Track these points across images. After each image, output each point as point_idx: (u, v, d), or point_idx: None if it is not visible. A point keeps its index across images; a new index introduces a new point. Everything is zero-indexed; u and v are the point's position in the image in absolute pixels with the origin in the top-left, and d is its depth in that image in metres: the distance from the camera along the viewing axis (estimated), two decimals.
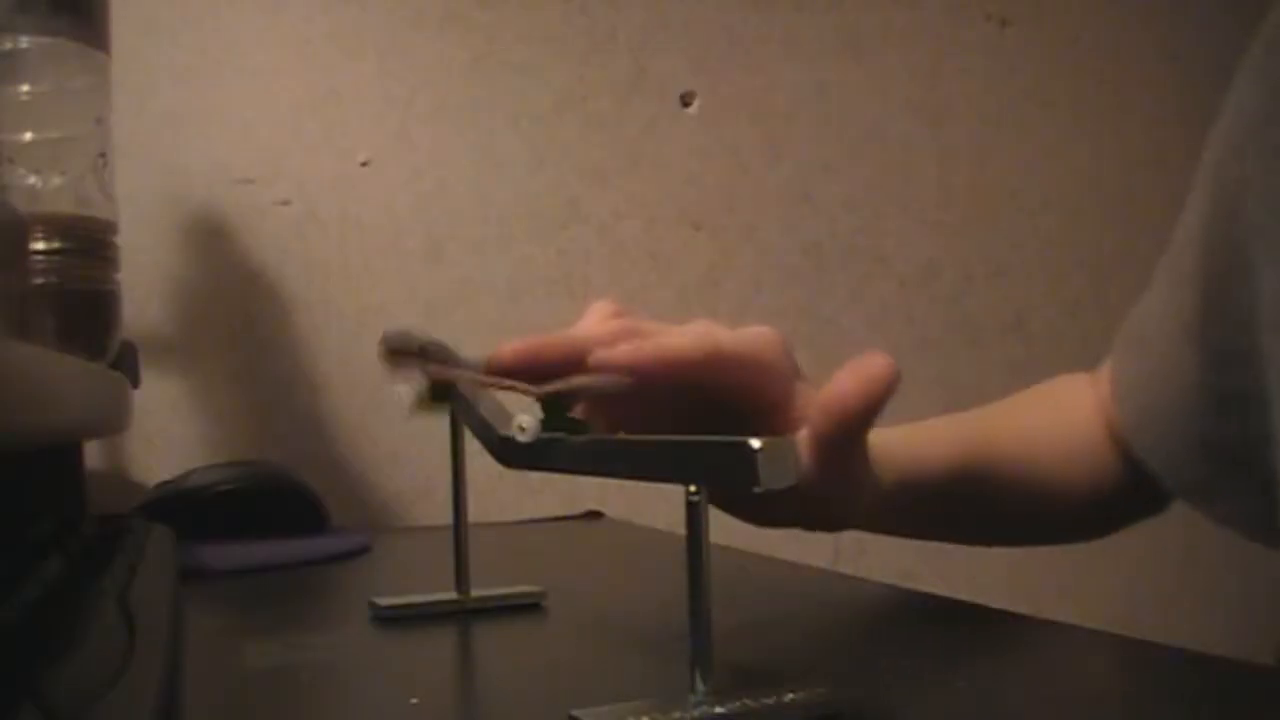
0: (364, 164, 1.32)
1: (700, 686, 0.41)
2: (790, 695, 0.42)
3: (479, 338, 1.32)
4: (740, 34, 1.47)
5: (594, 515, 1.26)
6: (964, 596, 0.67)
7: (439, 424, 0.67)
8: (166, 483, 1.08)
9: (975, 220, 1.58)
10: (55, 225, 0.88)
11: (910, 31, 1.56)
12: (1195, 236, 0.71)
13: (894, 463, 0.66)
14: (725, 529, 0.58)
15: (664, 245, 1.42)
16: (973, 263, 1.57)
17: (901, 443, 0.69)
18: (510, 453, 0.54)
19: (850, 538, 1.45)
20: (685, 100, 1.45)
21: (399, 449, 1.29)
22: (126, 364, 0.97)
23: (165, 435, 1.22)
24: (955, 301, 1.56)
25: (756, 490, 0.36)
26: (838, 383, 0.55)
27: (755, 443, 0.37)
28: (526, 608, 0.68)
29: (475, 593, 0.67)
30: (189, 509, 1.02)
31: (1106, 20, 1.67)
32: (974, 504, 0.75)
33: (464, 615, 0.66)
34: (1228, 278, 0.66)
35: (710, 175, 1.45)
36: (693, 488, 0.41)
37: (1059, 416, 0.82)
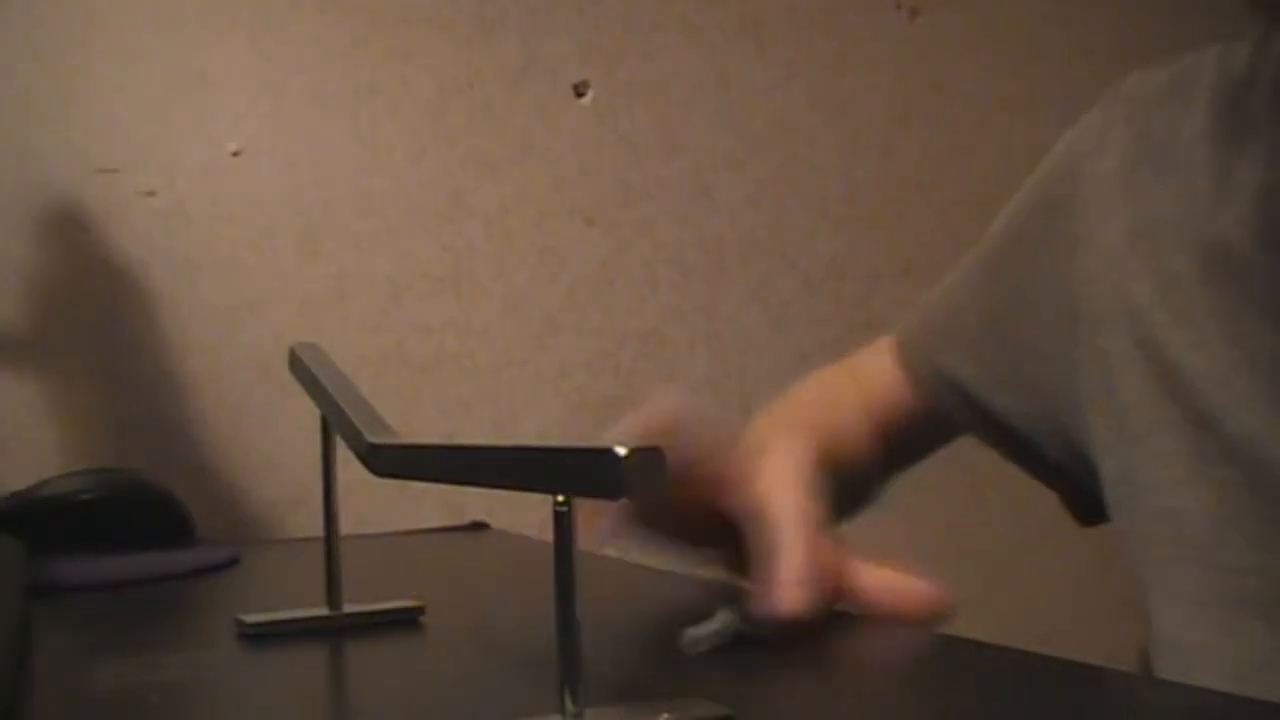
0: (235, 153, 1.31)
1: (570, 707, 0.41)
2: (665, 715, 0.43)
3: (356, 337, 1.33)
4: (637, 19, 1.48)
5: (479, 526, 1.26)
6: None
7: (313, 428, 0.67)
8: (19, 492, 1.07)
9: (882, 217, 1.60)
10: None
11: (816, 19, 1.58)
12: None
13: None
14: None
15: (555, 241, 1.43)
16: (879, 261, 1.59)
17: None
18: (378, 460, 0.54)
19: None
20: (578, 89, 1.46)
21: (271, 455, 1.28)
22: None
23: (19, 440, 1.20)
24: (861, 301, 1.58)
25: (625, 499, 0.36)
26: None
27: (621, 449, 0.37)
28: (403, 623, 0.68)
29: (349, 608, 0.67)
30: (43, 520, 1.01)
31: (1019, 11, 1.70)
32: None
33: (336, 632, 0.66)
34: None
35: (604, 167, 1.46)
36: (559, 498, 0.41)
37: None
